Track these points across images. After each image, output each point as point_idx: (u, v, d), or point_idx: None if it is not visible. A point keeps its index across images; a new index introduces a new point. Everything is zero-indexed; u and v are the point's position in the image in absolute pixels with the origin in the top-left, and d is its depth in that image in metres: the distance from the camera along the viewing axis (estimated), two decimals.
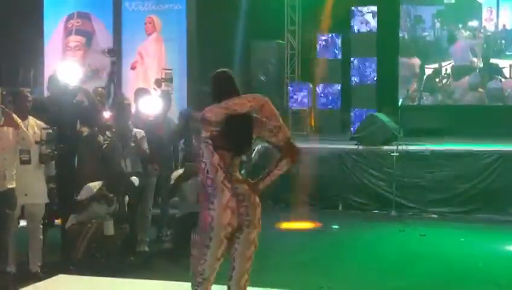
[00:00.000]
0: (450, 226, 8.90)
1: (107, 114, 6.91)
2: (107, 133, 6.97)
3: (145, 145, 7.12)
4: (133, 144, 6.97)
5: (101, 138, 6.91)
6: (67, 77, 7.09)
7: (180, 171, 7.58)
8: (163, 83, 7.80)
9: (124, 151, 6.92)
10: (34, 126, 6.28)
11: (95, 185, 6.66)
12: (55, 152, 6.34)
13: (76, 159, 7.16)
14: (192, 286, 3.84)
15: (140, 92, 7.93)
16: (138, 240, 7.34)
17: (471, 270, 6.69)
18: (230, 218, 3.75)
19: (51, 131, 6.28)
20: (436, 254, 7.47)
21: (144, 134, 7.14)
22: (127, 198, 6.86)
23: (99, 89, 8.07)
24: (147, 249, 7.38)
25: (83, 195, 6.65)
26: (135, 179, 6.93)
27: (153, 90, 8.00)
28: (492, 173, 9.47)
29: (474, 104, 13.43)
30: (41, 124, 6.37)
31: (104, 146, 6.78)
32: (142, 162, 7.16)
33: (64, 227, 6.76)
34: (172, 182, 7.46)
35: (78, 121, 7.07)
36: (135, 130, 7.11)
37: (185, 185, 7.37)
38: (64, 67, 7.30)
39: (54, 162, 6.57)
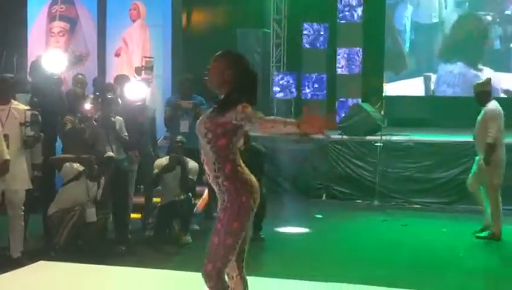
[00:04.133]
0: (432, 217, 8.97)
1: (88, 105, 6.85)
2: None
3: (125, 132, 7.09)
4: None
5: (84, 126, 6.86)
6: (51, 65, 7.05)
7: (164, 159, 7.55)
8: (143, 71, 7.76)
9: (109, 138, 6.89)
10: (17, 110, 6.25)
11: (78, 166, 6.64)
12: (41, 134, 6.30)
13: (56, 146, 7.13)
14: (217, 277, 3.61)
15: (120, 78, 7.88)
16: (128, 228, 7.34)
17: (452, 260, 6.73)
18: None
19: (35, 112, 6.26)
20: (417, 243, 7.53)
21: (122, 120, 7.10)
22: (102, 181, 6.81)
23: (79, 76, 8.02)
24: (129, 236, 7.37)
25: (64, 174, 6.62)
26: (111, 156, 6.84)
27: (133, 78, 7.97)
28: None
29: (458, 95, 13.49)
30: (25, 107, 6.34)
31: (87, 134, 6.72)
32: (124, 149, 7.14)
33: (46, 214, 6.73)
34: (155, 170, 7.44)
35: (62, 112, 7.04)
36: (116, 117, 7.06)
37: (167, 175, 7.35)
38: (48, 55, 7.26)
39: (41, 149, 6.55)
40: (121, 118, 7.10)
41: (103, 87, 7.80)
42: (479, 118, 7.68)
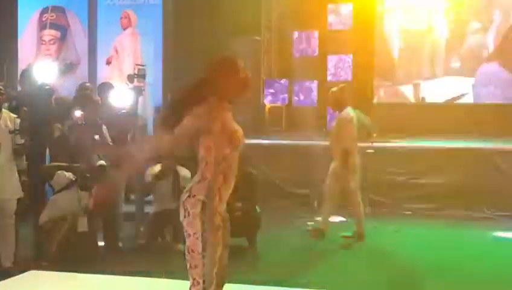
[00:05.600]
0: (424, 223, 8.98)
1: (78, 112, 6.83)
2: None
3: (108, 139, 7.07)
4: (97, 137, 6.90)
5: (69, 134, 6.84)
6: (42, 74, 7.05)
7: (156, 167, 7.53)
8: (135, 79, 7.75)
9: (94, 145, 6.86)
10: (7, 119, 6.23)
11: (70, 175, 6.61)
12: (31, 141, 6.29)
13: (47, 154, 7.12)
14: None
15: (104, 86, 7.88)
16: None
17: (443, 267, 6.75)
18: None
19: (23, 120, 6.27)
20: (408, 250, 7.54)
21: (105, 127, 7.08)
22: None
23: (87, 84, 8.04)
24: (120, 244, 7.35)
25: (56, 183, 6.60)
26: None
27: (118, 85, 7.96)
28: (466, 170, 9.57)
29: (449, 102, 13.55)
30: (14, 115, 6.33)
31: (73, 142, 6.70)
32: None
33: (37, 223, 6.70)
34: (149, 178, 7.41)
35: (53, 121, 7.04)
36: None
37: (160, 183, 7.33)
38: (39, 65, 7.26)
39: (24, 155, 6.54)
40: (103, 125, 7.07)
41: (83, 89, 7.76)
42: (334, 124, 7.98)
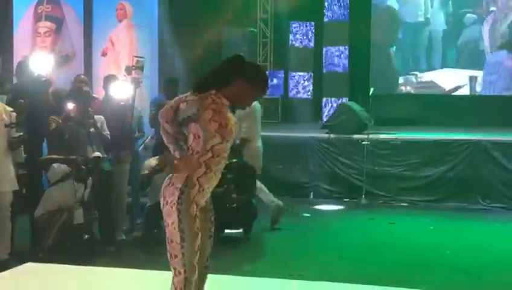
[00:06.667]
0: (420, 215, 9.00)
1: (71, 105, 6.81)
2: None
3: (106, 131, 7.05)
4: (92, 129, 6.89)
5: (64, 126, 6.83)
6: (38, 66, 7.03)
7: (152, 160, 7.53)
8: (133, 71, 7.72)
9: (89, 138, 6.85)
10: (2, 113, 6.22)
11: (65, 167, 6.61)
12: (28, 134, 6.28)
13: (44, 146, 7.11)
14: None
15: (109, 78, 7.86)
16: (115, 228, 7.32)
17: (440, 258, 6.77)
18: None
19: (20, 113, 6.25)
20: (405, 241, 7.56)
21: (103, 120, 7.06)
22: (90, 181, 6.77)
23: (82, 76, 8.02)
24: (124, 237, 7.36)
25: (52, 175, 6.59)
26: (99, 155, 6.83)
27: (122, 77, 7.94)
28: (462, 162, 9.58)
29: (445, 94, 13.57)
30: (10, 108, 6.31)
31: (67, 134, 6.68)
32: (105, 149, 7.10)
33: (34, 215, 6.70)
34: (145, 171, 7.40)
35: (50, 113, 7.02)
36: (96, 116, 7.01)
37: (156, 176, 7.33)
38: (35, 57, 7.24)
39: (22, 148, 6.53)
40: (101, 117, 7.05)
41: (78, 81, 7.72)
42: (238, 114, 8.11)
